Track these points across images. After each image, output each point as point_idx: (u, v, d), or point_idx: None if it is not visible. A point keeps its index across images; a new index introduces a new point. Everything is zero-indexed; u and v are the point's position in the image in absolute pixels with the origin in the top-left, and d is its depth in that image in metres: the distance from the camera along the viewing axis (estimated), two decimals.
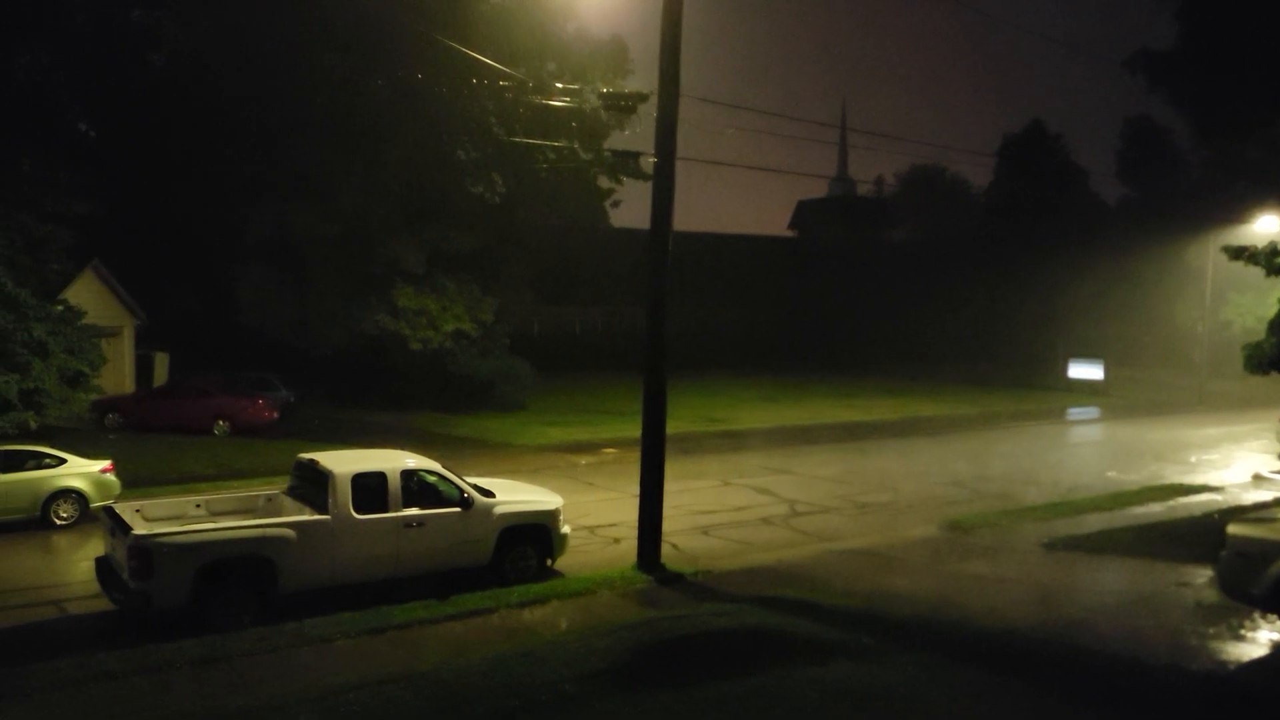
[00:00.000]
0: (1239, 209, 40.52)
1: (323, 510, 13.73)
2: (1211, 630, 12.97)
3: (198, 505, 14.95)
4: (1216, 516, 19.30)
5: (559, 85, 34.35)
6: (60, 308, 27.31)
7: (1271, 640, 12.63)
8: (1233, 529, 14.05)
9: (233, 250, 36.92)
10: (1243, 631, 12.92)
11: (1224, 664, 11.88)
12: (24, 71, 38.56)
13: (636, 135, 36.41)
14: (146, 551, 12.38)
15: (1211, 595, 14.38)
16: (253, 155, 35.59)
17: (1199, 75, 43.48)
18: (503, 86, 33.18)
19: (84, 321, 27.97)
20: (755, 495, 22.68)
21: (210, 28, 36.62)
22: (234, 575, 12.93)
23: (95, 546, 15.17)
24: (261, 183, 35.56)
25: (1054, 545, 17.83)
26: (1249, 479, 25.78)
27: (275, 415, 30.53)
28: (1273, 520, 13.87)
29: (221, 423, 29.42)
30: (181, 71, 38.39)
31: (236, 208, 36.47)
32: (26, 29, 36.67)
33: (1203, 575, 15.32)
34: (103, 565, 13.78)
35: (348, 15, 33.03)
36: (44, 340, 25.36)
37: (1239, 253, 24.76)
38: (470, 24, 33.42)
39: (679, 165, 15.76)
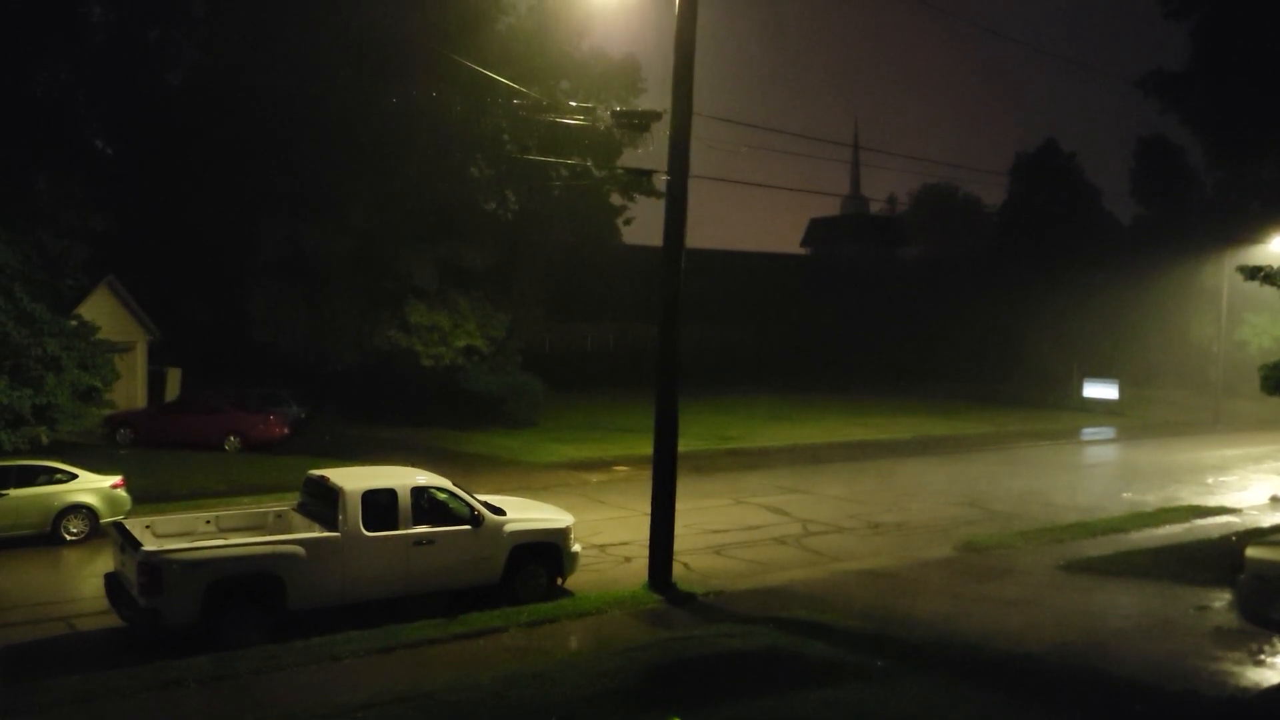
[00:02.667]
0: (1254, 228, 40.34)
1: (332, 527, 13.69)
2: (1230, 655, 12.79)
3: (208, 521, 14.93)
4: (1234, 539, 19.08)
5: (572, 103, 34.47)
6: (74, 323, 27.37)
7: None
8: (1251, 552, 13.89)
9: (246, 266, 37.06)
10: (1262, 656, 12.73)
11: (1244, 689, 11.69)
12: (43, 89, 38.85)
13: (649, 153, 36.42)
14: (156, 568, 12.35)
15: (1230, 619, 14.20)
16: (266, 172, 35.77)
17: (1212, 95, 43.50)
18: (516, 104, 33.32)
19: (97, 337, 28.02)
20: (768, 514, 22.55)
21: (226, 46, 36.96)
22: (243, 592, 12.88)
23: (105, 562, 15.13)
24: (275, 199, 35.73)
25: (1070, 567, 17.66)
26: (1267, 501, 25.53)
27: (286, 431, 30.54)
28: None
29: (232, 438, 29.44)
30: (197, 89, 38.67)
31: (250, 223, 36.62)
32: (46, 47, 36.98)
33: (1221, 599, 15.14)
34: (112, 581, 13.74)
35: (362, 34, 33.23)
36: (57, 355, 25.41)
37: (1254, 272, 24.61)
38: (484, 42, 33.62)
39: (692, 183, 15.74)
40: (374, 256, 35.35)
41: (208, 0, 38.91)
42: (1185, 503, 24.70)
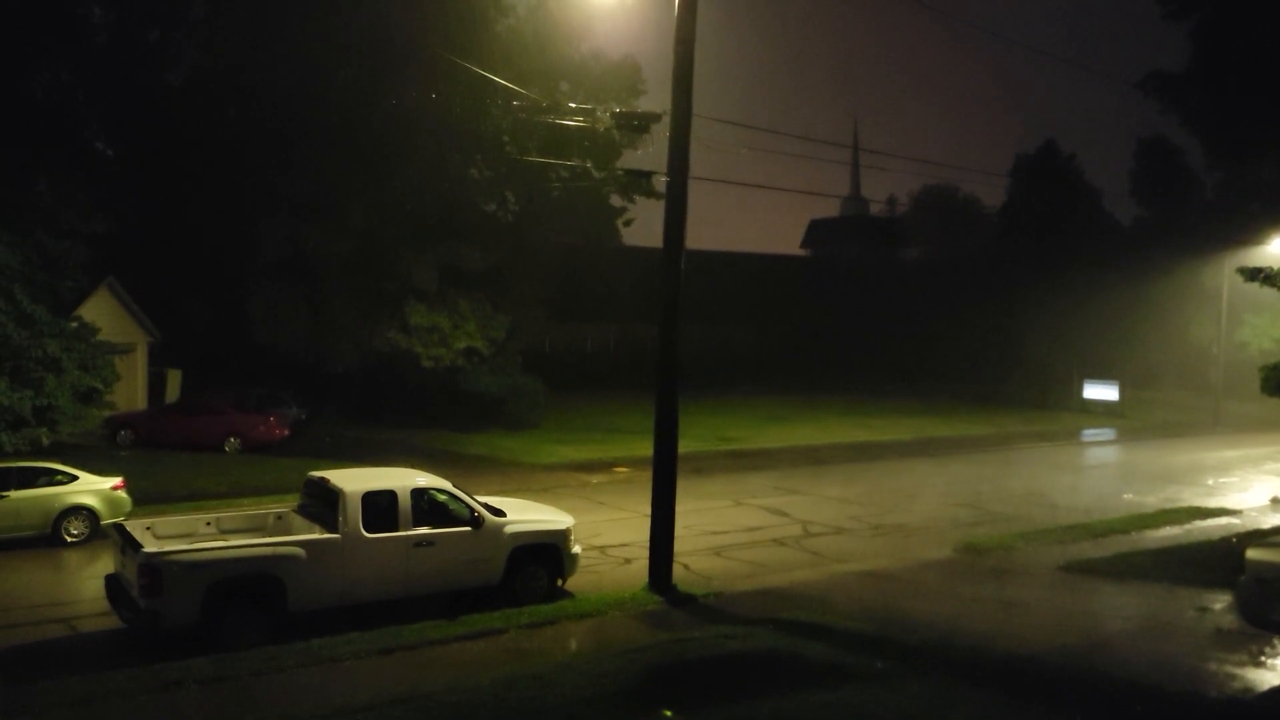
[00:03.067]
0: (1254, 230, 40.35)
1: (333, 529, 13.68)
2: (1231, 656, 12.79)
3: (208, 523, 14.92)
4: (1235, 541, 19.08)
5: (572, 105, 34.45)
6: (75, 324, 27.37)
7: None
8: (1252, 554, 13.90)
9: (246, 267, 37.04)
10: (1263, 658, 12.73)
11: (1244, 691, 11.70)
12: (44, 90, 38.84)
13: (649, 154, 36.49)
14: (156, 569, 12.35)
15: (1231, 621, 14.20)
16: (267, 172, 35.75)
17: (1212, 97, 43.51)
18: (516, 106, 33.30)
19: (98, 338, 28.03)
20: (768, 516, 22.55)
21: (226, 47, 36.95)
22: (243, 594, 12.88)
23: (105, 564, 15.14)
24: (275, 199, 35.72)
25: (1070, 568, 17.65)
26: (1267, 502, 25.53)
27: (286, 433, 30.53)
28: None
29: (233, 440, 29.43)
30: (197, 90, 38.68)
31: (250, 224, 36.60)
32: (46, 48, 36.98)
33: (1221, 600, 15.14)
34: (113, 583, 13.75)
35: (362, 35, 33.23)
36: (58, 357, 25.42)
37: (1255, 274, 24.62)
38: (484, 44, 33.60)
39: (692, 184, 15.75)
40: (374, 257, 35.35)
41: (208, 1, 38.91)
42: (1186, 504, 24.71)
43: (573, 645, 13.19)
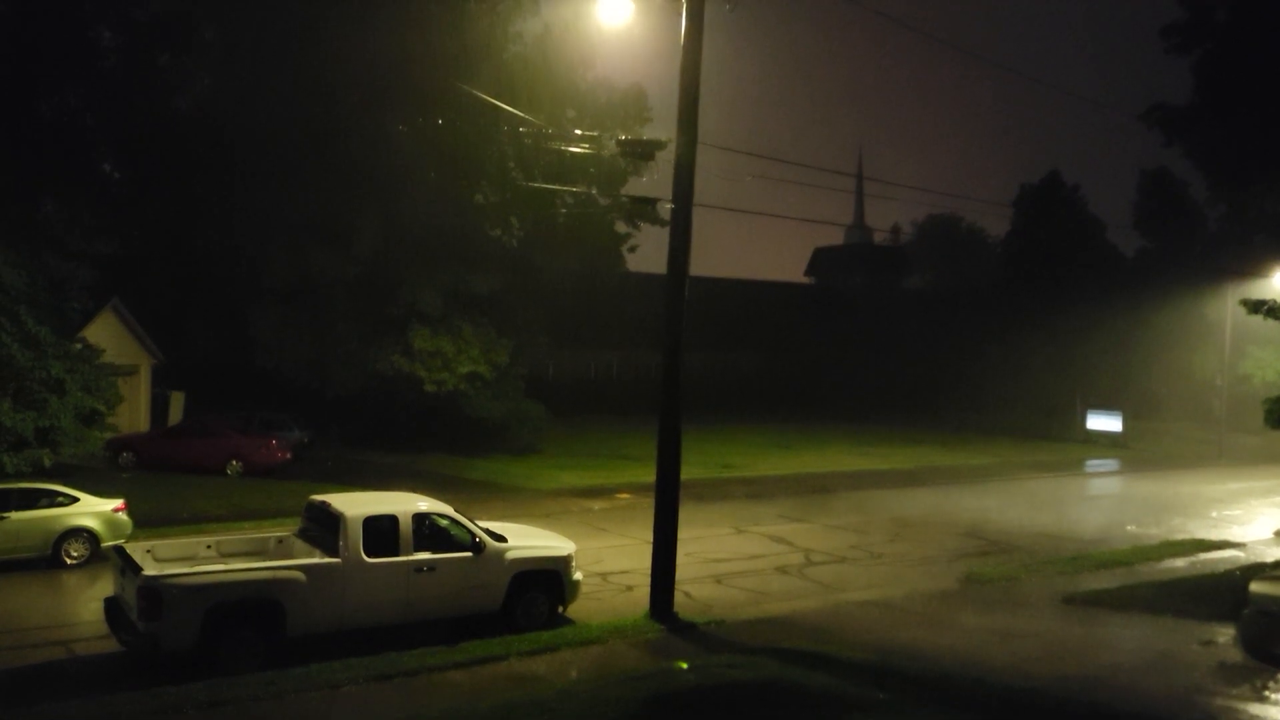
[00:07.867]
0: (1258, 262, 40.38)
1: (333, 553, 13.65)
2: (1234, 690, 12.70)
3: (209, 546, 14.88)
4: (1239, 574, 18.99)
5: (578, 131, 34.67)
6: (79, 346, 27.38)
7: None
8: (1255, 587, 13.83)
9: (251, 291, 37.15)
10: (1266, 693, 12.64)
11: None
12: (52, 111, 39.08)
13: (654, 181, 36.74)
14: (155, 592, 12.31)
15: (1234, 654, 14.12)
16: (273, 198, 35.90)
17: (1215, 129, 43.60)
18: (522, 132, 33.47)
19: (101, 360, 28.04)
20: (770, 544, 22.46)
21: (234, 72, 37.23)
22: (242, 617, 12.82)
23: (105, 586, 15.08)
24: (281, 224, 35.86)
25: (1073, 600, 17.57)
26: (1271, 535, 25.41)
27: (288, 456, 30.48)
28: None
29: (234, 463, 29.38)
30: (206, 114, 38.93)
31: (255, 249, 36.73)
32: (57, 71, 37.26)
33: (1225, 633, 15.04)
34: (112, 606, 13.70)
35: (370, 61, 33.47)
36: (61, 378, 25.40)
37: (1258, 306, 24.62)
38: (492, 71, 33.84)
39: (696, 211, 15.81)
40: (378, 282, 35.44)
41: (217, 26, 39.23)
42: (1189, 536, 24.62)
43: (573, 673, 13.12)
